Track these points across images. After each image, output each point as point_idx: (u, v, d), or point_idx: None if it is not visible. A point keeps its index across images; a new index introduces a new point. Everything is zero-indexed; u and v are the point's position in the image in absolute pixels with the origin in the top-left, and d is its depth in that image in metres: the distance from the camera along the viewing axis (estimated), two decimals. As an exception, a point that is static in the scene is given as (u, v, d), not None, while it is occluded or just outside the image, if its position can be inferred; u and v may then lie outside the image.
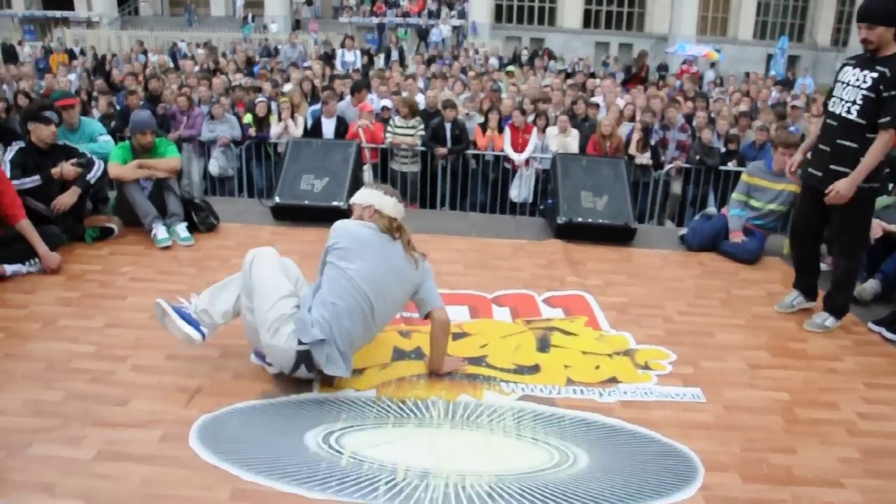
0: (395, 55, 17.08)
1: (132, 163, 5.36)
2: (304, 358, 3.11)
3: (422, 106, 9.09)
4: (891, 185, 5.69)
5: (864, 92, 3.93)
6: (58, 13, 34.32)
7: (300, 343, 3.06)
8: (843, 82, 4.09)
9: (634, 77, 13.95)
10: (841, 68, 4.20)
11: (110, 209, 5.79)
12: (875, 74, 3.90)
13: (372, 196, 3.43)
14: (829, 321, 4.38)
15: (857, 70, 4.01)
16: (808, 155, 4.40)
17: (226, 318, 3.38)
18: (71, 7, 35.69)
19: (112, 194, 5.85)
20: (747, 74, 18.35)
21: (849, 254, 4.34)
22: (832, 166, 4.10)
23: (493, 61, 18.28)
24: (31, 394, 3.09)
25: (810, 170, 4.29)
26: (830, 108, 4.17)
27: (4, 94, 9.64)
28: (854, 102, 3.99)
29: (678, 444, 3.03)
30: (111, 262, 4.81)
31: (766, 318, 4.51)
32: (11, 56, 20.24)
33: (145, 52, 18.83)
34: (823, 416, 3.34)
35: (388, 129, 8.25)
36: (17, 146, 5.11)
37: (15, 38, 25.64)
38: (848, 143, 4.04)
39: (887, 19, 3.86)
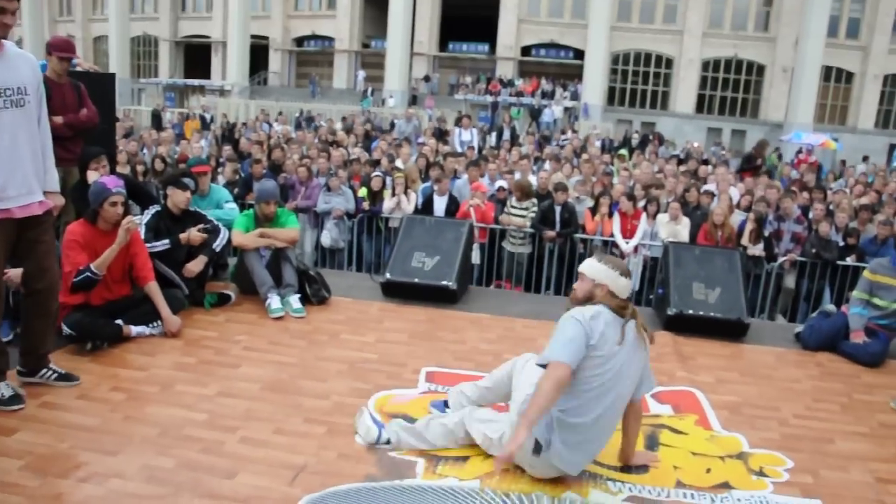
0: (506, 134, 17.32)
1: (254, 232, 5.61)
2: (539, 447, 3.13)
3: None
4: None
5: None
6: (195, 81, 36.95)
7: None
8: None
9: (754, 167, 13.60)
10: None
11: (229, 275, 6.04)
12: None
13: (605, 275, 3.24)
14: None
15: None
16: None
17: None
18: (208, 76, 38.46)
19: (232, 261, 6.12)
20: (865, 159, 17.65)
21: None
22: None
23: (597, 144, 18.28)
24: (147, 459, 3.21)
25: None
26: None
27: (144, 158, 10.31)
28: None
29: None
30: (227, 330, 5.00)
31: (894, 427, 4.21)
32: (157, 122, 21.78)
33: (268, 122, 19.91)
34: None
35: (504, 209, 8.35)
36: (153, 209, 5.45)
37: (158, 105, 27.66)
38: None
39: None
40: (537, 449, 3.10)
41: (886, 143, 29.45)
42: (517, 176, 9.75)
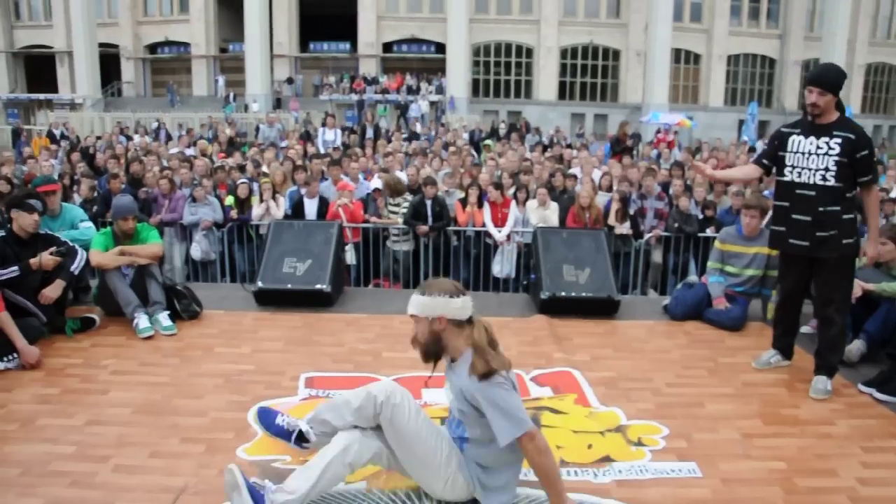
0: (369, 132, 17.25)
1: (114, 250, 5.35)
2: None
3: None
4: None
5: (836, 158, 4.12)
6: (41, 96, 34.72)
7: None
8: (801, 152, 4.26)
9: (624, 149, 14.16)
10: (785, 138, 4.36)
11: (92, 298, 5.73)
12: (839, 140, 4.12)
13: (437, 304, 2.95)
14: (830, 384, 4.40)
15: (813, 138, 4.21)
16: (775, 226, 4.51)
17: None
18: (55, 89, 36.17)
19: (94, 283, 5.81)
20: (718, 141, 18.87)
21: (842, 311, 4.42)
22: (819, 233, 4.23)
23: (465, 136, 18.54)
24: (7, 501, 2.99)
25: (792, 241, 4.37)
26: (797, 179, 4.29)
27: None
28: (827, 169, 4.16)
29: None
30: (92, 355, 4.73)
31: (756, 385, 4.51)
32: (18, 139, 20.31)
33: (126, 135, 19.01)
34: (823, 484, 3.32)
35: (376, 208, 8.36)
36: None
37: (16, 123, 25.82)
38: (831, 209, 4.19)
39: (835, 87, 4.15)
40: None
41: (736, 118, 31.39)
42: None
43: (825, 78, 4.19)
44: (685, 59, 35.05)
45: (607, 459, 3.52)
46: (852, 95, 33.66)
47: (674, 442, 3.71)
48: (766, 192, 9.04)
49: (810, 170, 4.22)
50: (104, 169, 10.87)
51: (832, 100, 4.15)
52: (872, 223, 4.32)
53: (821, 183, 4.19)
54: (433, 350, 3.02)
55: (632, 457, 3.56)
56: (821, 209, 4.21)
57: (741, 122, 27.16)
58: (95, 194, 8.82)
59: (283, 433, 3.29)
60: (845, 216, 4.20)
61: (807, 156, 4.23)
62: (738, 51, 35.22)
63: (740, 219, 6.05)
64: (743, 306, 5.72)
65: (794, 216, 4.32)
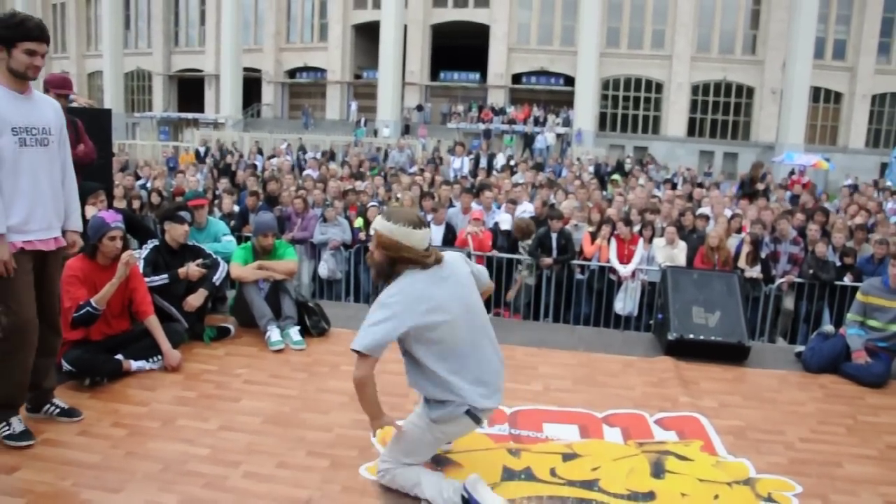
0: (483, 162, 17.31)
1: (252, 264, 5.62)
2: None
3: (529, 214, 9.19)
4: None
5: None
6: (189, 115, 37.16)
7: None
8: None
9: (755, 191, 13.67)
10: None
11: (228, 309, 6.03)
12: None
13: (397, 231, 3.10)
14: None
15: None
16: None
17: None
18: (201, 109, 38.73)
19: (231, 294, 6.11)
20: (855, 187, 17.83)
21: None
22: None
23: (591, 169, 18.36)
24: (150, 495, 3.18)
25: None
26: None
27: (140, 193, 10.32)
28: None
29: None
30: (227, 363, 4.98)
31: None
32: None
33: (261, 152, 19.97)
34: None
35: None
36: (152, 244, 5.46)
37: (152, 139, 27.76)
38: None
39: None
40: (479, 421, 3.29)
41: (877, 161, 29.69)
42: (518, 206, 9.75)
43: None
44: (825, 98, 33.49)
45: (735, 513, 3.37)
46: None
47: (808, 501, 3.50)
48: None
49: None
50: (243, 185, 11.45)
51: None
52: None
53: None
54: (386, 272, 3.22)
55: (762, 513, 3.39)
56: None
57: (884, 165, 25.61)
58: (235, 210, 9.29)
59: None
60: None
61: None
62: (885, 90, 33.26)
63: (887, 269, 5.69)
64: (886, 362, 5.34)
65: None
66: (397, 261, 3.15)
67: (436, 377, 3.19)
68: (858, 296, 5.66)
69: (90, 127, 5.83)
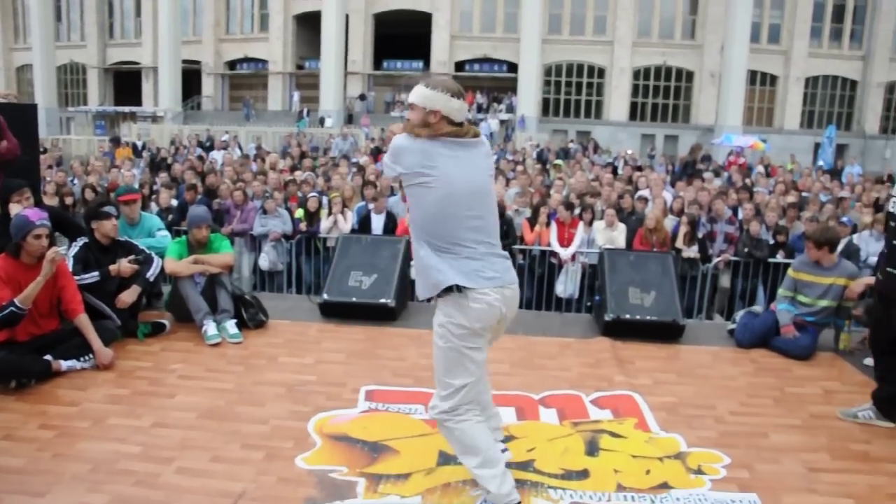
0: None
1: (188, 259, 5.53)
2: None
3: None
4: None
5: None
6: (126, 108, 36.25)
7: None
8: None
9: (695, 172, 13.95)
10: None
11: (163, 304, 5.93)
12: None
13: (437, 100, 2.99)
14: (866, 413, 4.23)
15: None
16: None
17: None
18: (139, 103, 37.78)
19: (166, 289, 6.01)
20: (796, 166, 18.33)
21: None
22: (889, 268, 4.03)
23: (534, 155, 18.49)
24: (78, 497, 3.11)
25: (877, 274, 4.21)
26: (890, 209, 4.13)
27: (73, 189, 10.04)
28: None
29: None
30: (161, 359, 4.89)
31: (824, 417, 4.33)
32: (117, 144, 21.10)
33: (202, 146, 19.60)
34: (894, 526, 3.16)
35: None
36: (81, 241, 5.32)
37: (87, 133, 27.01)
38: None
39: None
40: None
41: (811, 142, 30.56)
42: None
43: None
44: (761, 81, 34.28)
45: (665, 486, 3.45)
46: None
47: (735, 472, 3.60)
48: (844, 219, 8.78)
49: None
50: (181, 179, 11.25)
51: None
52: None
53: None
54: None
55: (691, 485, 3.47)
56: (894, 242, 4.04)
57: (817, 146, 26.38)
58: (174, 204, 9.12)
59: None
60: None
61: None
62: (818, 73, 34.21)
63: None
64: (813, 336, 5.53)
65: (883, 250, 4.18)
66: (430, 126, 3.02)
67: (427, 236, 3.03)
68: (789, 272, 5.82)
69: (14, 122, 5.64)
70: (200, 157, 15.78)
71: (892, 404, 4.21)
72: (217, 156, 16.89)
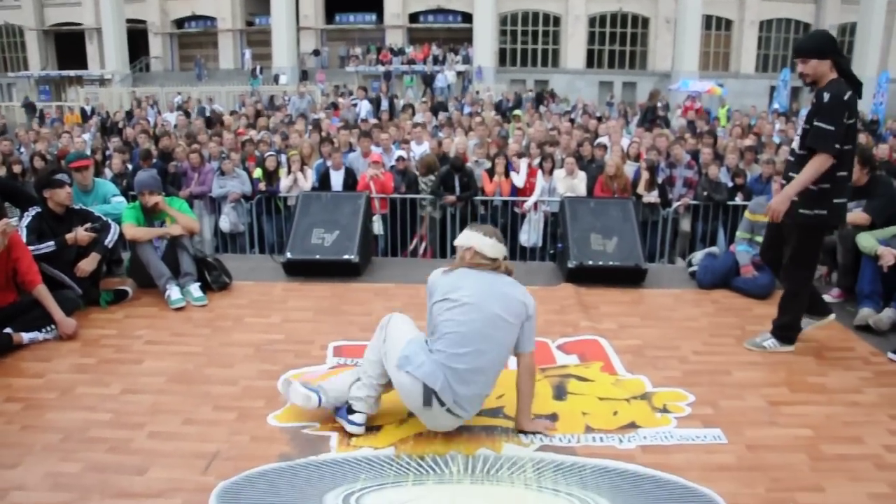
0: (384, 104, 17.02)
1: (158, 230, 5.44)
2: (430, 394, 3.18)
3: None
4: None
5: (804, 125, 4.15)
6: (72, 72, 35.06)
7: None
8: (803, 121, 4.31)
9: (655, 119, 14.01)
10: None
11: (124, 271, 5.85)
12: (809, 107, 4.15)
13: (472, 238, 3.43)
14: (769, 342, 4.52)
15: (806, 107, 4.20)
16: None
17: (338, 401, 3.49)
18: (84, 66, 36.51)
19: (126, 255, 5.91)
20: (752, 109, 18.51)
21: (791, 276, 4.45)
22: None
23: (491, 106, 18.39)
24: (50, 466, 3.09)
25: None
26: (794, 146, 4.38)
27: (21, 157, 9.76)
28: (799, 136, 4.23)
29: (702, 488, 3.00)
30: (126, 326, 4.84)
31: (783, 353, 4.48)
32: (32, 113, 20.48)
33: (155, 107, 19.12)
34: (849, 451, 3.32)
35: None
36: (34, 211, 5.18)
37: (31, 99, 26.15)
38: (796, 174, 4.19)
39: (818, 53, 4.08)
40: (428, 401, 3.19)
41: (767, 85, 30.83)
42: (414, 145, 9.75)
43: (803, 45, 4.22)
44: (716, 26, 34.38)
45: (633, 426, 3.54)
46: (891, 59, 32.82)
47: (699, 409, 3.71)
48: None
49: (797, 136, 4.30)
50: (134, 143, 11.00)
51: (819, 64, 4.07)
52: (797, 178, 4.12)
53: (794, 148, 4.29)
54: None
55: (657, 423, 3.58)
56: (790, 174, 4.28)
57: (773, 89, 26.63)
58: (126, 169, 8.92)
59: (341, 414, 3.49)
60: (811, 187, 4.11)
61: (801, 123, 4.30)
62: (772, 16, 34.41)
63: (772, 187, 5.97)
64: (770, 275, 5.65)
65: (781, 181, 4.49)
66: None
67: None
68: (746, 214, 5.94)
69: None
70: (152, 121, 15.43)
71: (789, 331, 4.52)
72: (171, 117, 16.48)
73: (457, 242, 3.51)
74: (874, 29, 31.39)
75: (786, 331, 4.51)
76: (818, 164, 4.03)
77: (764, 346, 4.51)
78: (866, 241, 5.13)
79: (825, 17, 33.93)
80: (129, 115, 17.47)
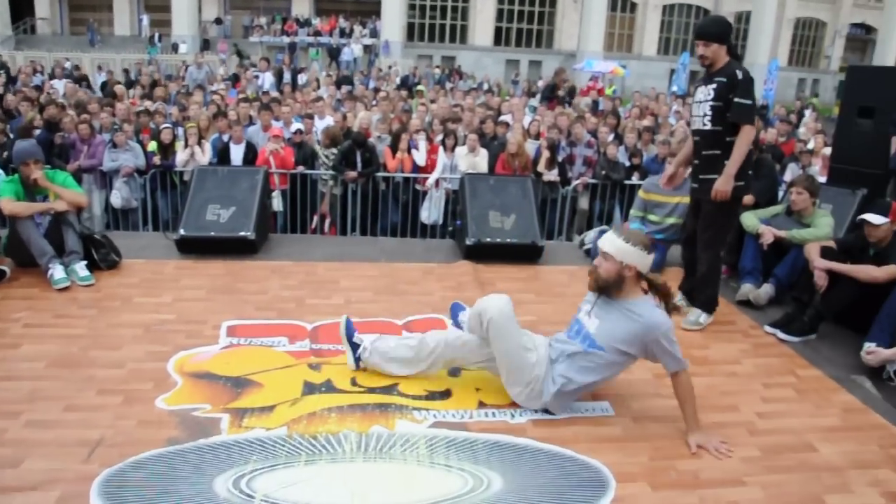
0: (286, 77, 16.72)
1: (40, 205, 5.13)
2: None
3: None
4: (781, 194, 6.01)
5: (711, 103, 4.37)
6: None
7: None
8: (696, 101, 4.53)
9: (556, 97, 14.22)
10: (695, 91, 4.67)
11: (2, 249, 5.50)
12: (715, 85, 4.35)
13: (632, 254, 3.28)
14: (703, 317, 4.75)
15: (703, 87, 4.48)
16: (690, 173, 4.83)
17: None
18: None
19: (3, 233, 5.57)
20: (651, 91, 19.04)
21: (711, 249, 4.69)
22: (702, 175, 4.55)
23: (398, 81, 18.33)
24: (-88, 462, 2.90)
25: (692, 184, 4.72)
26: (693, 127, 4.62)
27: None
28: (706, 115, 4.42)
29: (589, 459, 3.10)
30: (2, 308, 4.56)
31: (670, 327, 4.68)
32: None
33: (42, 73, 18.08)
34: (726, 419, 3.51)
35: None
36: None
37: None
38: (711, 152, 4.46)
39: (719, 37, 4.34)
40: None
41: (668, 68, 31.80)
42: (317, 119, 9.60)
43: (707, 30, 4.41)
44: (621, 8, 35.16)
45: (524, 401, 3.62)
46: (780, 49, 34.40)
47: (589, 383, 3.83)
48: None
49: (698, 116, 4.49)
50: (16, 112, 10.39)
51: (719, 48, 4.34)
52: (733, 155, 4.36)
53: (702, 128, 4.46)
54: (611, 286, 3.36)
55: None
56: (704, 153, 4.52)
57: (672, 72, 27.50)
58: (6, 139, 8.40)
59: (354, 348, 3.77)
60: (725, 161, 4.37)
61: (697, 104, 4.51)
62: (674, 0, 35.44)
63: (665, 168, 6.18)
64: (662, 252, 5.87)
65: (692, 162, 4.69)
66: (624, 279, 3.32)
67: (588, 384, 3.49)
68: (639, 193, 6.11)
69: None
70: (38, 87, 14.58)
71: (715, 301, 4.80)
72: (58, 85, 15.62)
73: (613, 252, 3.34)
74: (766, 19, 32.81)
75: (712, 302, 4.78)
76: (746, 136, 4.32)
77: (700, 322, 4.73)
78: (749, 220, 5.41)
79: (724, 4, 35.21)
80: (11, 80, 16.44)
